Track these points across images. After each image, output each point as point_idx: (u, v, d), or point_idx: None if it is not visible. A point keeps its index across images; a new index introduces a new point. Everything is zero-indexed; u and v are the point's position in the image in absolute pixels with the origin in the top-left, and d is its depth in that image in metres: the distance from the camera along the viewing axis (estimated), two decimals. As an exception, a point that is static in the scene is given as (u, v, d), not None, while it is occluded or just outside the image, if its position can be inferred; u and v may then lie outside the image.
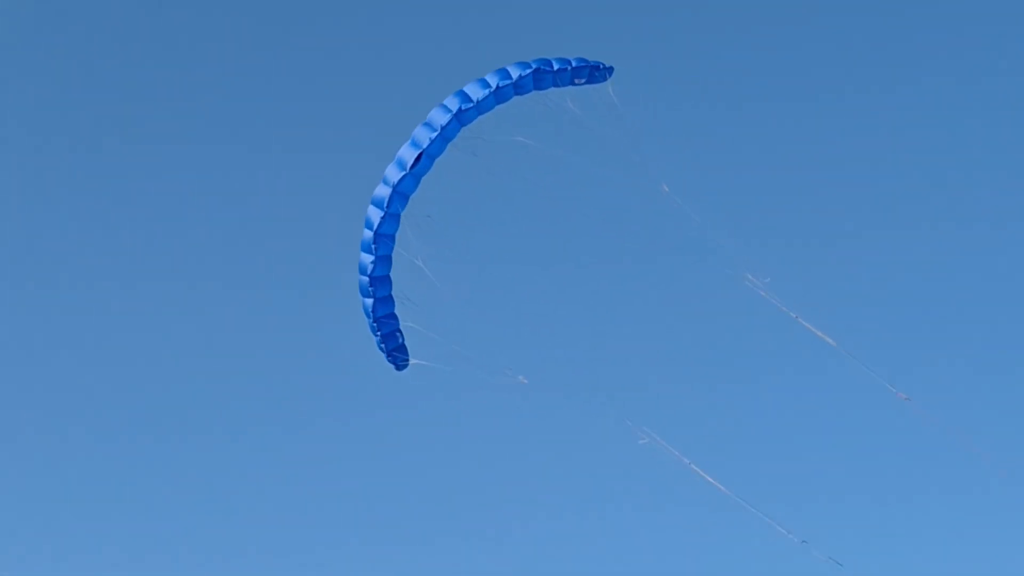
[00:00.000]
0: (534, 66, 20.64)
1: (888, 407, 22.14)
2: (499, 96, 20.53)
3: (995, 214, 33.26)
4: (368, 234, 19.98)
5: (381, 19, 37.99)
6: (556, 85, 21.12)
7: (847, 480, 29.25)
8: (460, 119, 20.32)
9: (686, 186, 20.60)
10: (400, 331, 20.90)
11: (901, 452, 28.19)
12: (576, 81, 21.27)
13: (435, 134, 20.04)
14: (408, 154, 20.13)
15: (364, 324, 20.87)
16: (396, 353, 20.75)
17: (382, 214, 19.84)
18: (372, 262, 20.01)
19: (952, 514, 29.31)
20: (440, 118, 20.19)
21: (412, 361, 20.74)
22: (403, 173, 19.94)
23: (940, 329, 31.76)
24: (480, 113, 20.65)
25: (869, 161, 33.65)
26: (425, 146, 20.00)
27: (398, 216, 20.22)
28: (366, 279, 20.11)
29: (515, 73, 20.48)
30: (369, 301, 20.25)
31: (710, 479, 21.65)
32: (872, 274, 32.34)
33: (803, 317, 22.15)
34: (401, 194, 20.04)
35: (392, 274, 20.54)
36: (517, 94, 20.83)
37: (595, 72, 21.05)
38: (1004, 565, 28.44)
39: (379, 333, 20.42)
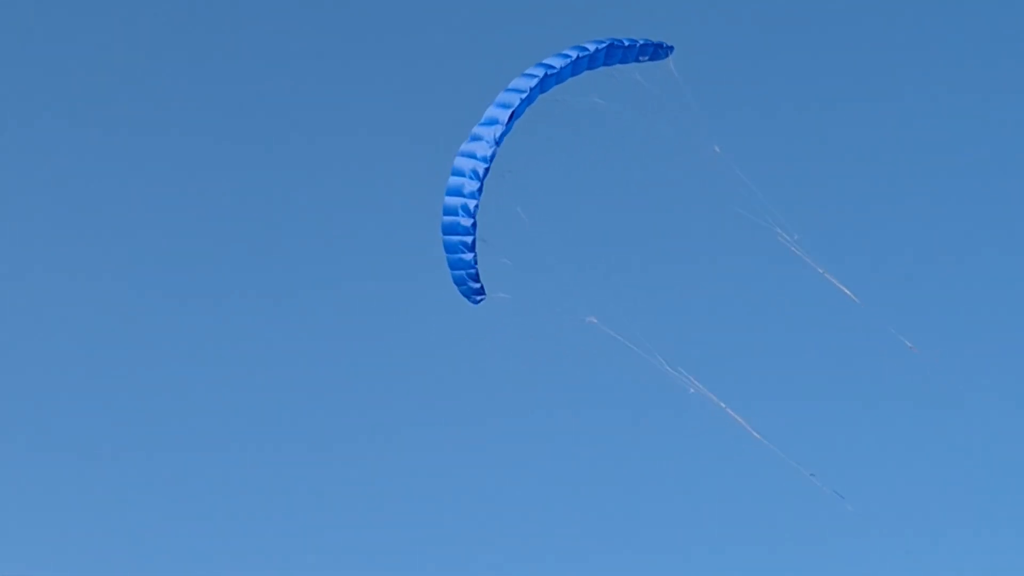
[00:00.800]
0: (606, 43, 23.63)
1: (902, 357, 25.12)
2: (575, 68, 23.48)
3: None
4: (474, 184, 22.67)
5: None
6: (623, 62, 24.11)
7: (859, 421, 32.43)
8: (542, 86, 23.26)
9: (737, 149, 23.57)
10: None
11: (912, 399, 31.30)
12: (640, 58, 24.31)
13: (524, 95, 22.93)
14: (501, 114, 22.97)
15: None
16: (479, 287, 23.38)
17: (486, 166, 22.59)
18: (475, 207, 22.73)
19: (953, 460, 32.60)
20: (525, 84, 23.12)
21: (501, 295, 23.48)
22: (498, 131, 22.77)
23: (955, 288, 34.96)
24: (558, 83, 23.60)
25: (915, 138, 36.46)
26: (515, 106, 22.88)
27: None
28: (470, 221, 22.75)
29: (591, 47, 23.46)
30: (470, 239, 22.91)
31: (741, 420, 24.51)
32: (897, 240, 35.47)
33: (829, 273, 25.18)
34: (495, 152, 22.86)
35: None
36: (589, 68, 23.80)
37: (658, 50, 24.06)
38: (1003, 514, 31.82)
39: (474, 269, 23.09)
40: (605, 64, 24.06)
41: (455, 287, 23.73)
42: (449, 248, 23.37)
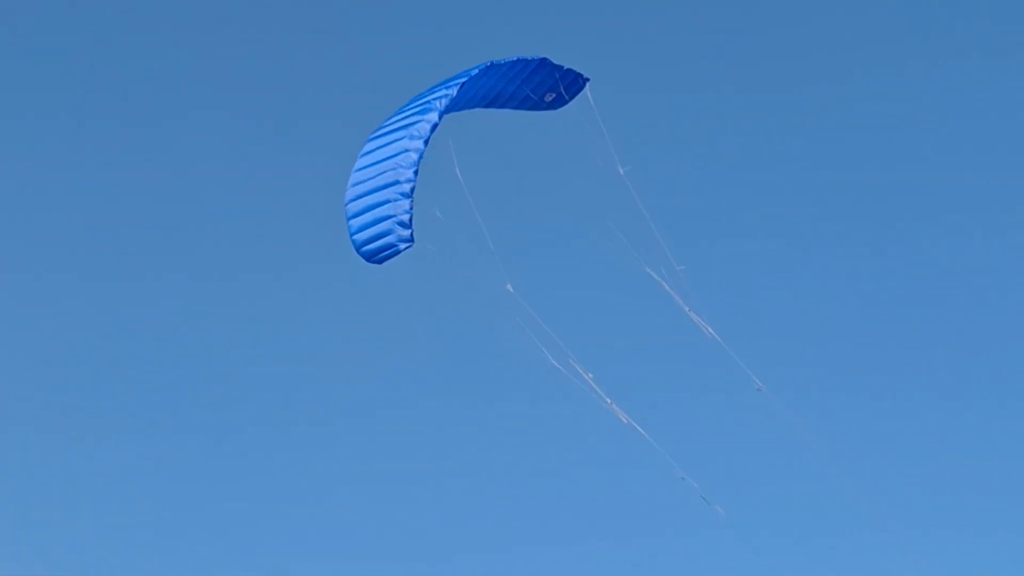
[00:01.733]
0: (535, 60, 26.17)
1: (750, 395, 27.47)
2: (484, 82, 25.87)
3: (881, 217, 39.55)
4: (417, 143, 24.22)
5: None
6: (536, 92, 26.77)
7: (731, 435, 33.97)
8: (457, 96, 25.38)
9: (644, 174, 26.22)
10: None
11: (764, 431, 33.16)
12: (547, 96, 27.05)
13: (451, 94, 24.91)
14: (442, 94, 24.97)
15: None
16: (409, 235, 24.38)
17: (436, 121, 24.29)
18: (419, 159, 24.24)
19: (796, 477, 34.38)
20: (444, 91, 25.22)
21: (430, 247, 24.64)
22: (445, 102, 24.69)
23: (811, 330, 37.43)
24: (472, 95, 25.98)
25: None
26: (452, 95, 24.86)
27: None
28: (412, 171, 24.12)
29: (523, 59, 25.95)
30: (409, 187, 24.20)
31: (625, 417, 26.01)
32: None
33: (695, 310, 27.57)
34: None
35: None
36: (505, 86, 26.34)
37: (577, 79, 26.77)
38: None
39: (408, 215, 24.21)
40: (518, 93, 26.64)
41: (371, 242, 24.49)
42: (376, 205, 24.47)
